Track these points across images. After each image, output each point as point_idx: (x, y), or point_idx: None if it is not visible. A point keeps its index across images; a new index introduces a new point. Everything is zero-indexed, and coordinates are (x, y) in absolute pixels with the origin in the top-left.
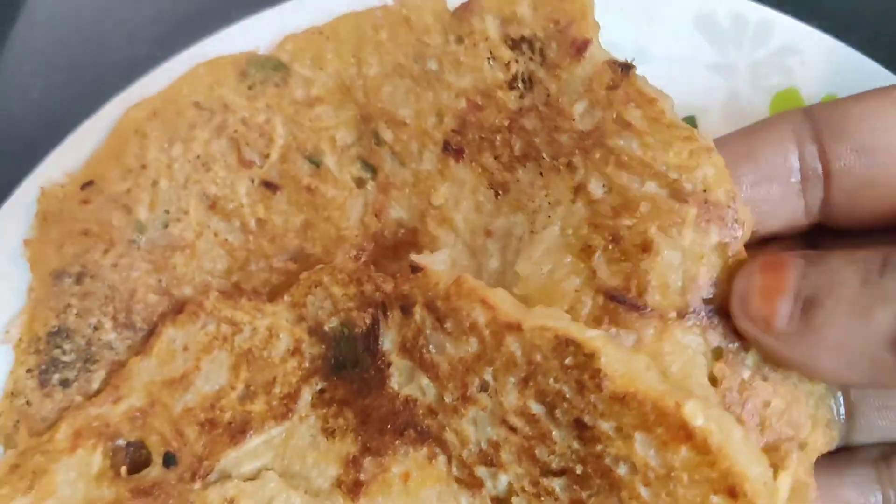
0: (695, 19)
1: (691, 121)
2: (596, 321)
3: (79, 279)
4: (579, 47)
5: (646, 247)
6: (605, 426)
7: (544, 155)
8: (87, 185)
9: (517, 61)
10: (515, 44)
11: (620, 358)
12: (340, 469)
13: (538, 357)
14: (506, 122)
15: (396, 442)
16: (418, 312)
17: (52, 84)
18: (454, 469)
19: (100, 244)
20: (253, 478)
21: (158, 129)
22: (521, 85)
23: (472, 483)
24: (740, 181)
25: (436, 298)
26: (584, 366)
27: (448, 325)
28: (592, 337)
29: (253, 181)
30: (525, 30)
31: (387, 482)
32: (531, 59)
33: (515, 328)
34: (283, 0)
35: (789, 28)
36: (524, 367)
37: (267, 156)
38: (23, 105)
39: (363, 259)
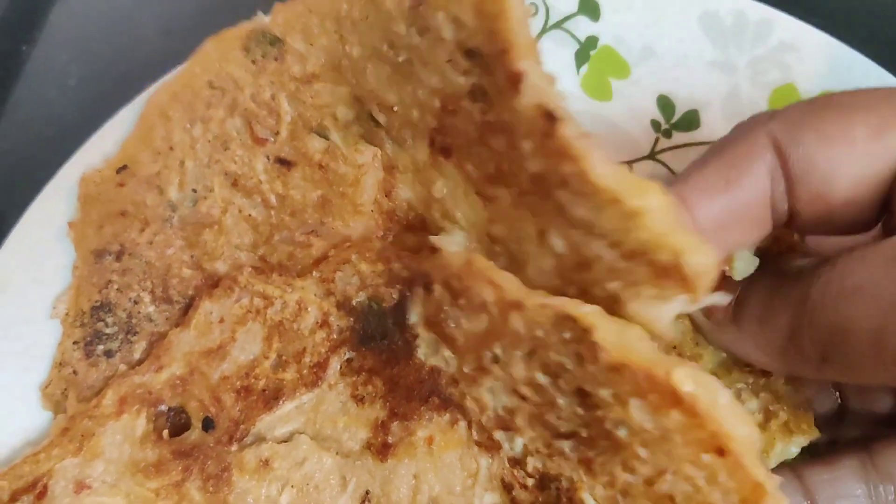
0: (699, 18)
1: (694, 115)
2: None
3: (118, 257)
4: (513, 79)
5: (615, 300)
6: (604, 393)
7: (513, 187)
8: (122, 168)
9: (472, 72)
10: (469, 53)
11: (614, 330)
12: (370, 432)
13: (540, 332)
14: (476, 134)
15: (422, 408)
16: (437, 290)
17: (88, 72)
18: (474, 433)
19: (136, 223)
20: (286, 440)
21: (179, 110)
22: (479, 98)
23: (490, 446)
24: (719, 216)
25: (451, 277)
26: (581, 339)
27: (462, 301)
28: (587, 312)
29: (268, 158)
30: (472, 41)
31: (412, 445)
32: (483, 72)
33: (518, 306)
34: None
35: (788, 26)
36: (528, 342)
37: (277, 133)
38: (60, 92)
39: (389, 238)
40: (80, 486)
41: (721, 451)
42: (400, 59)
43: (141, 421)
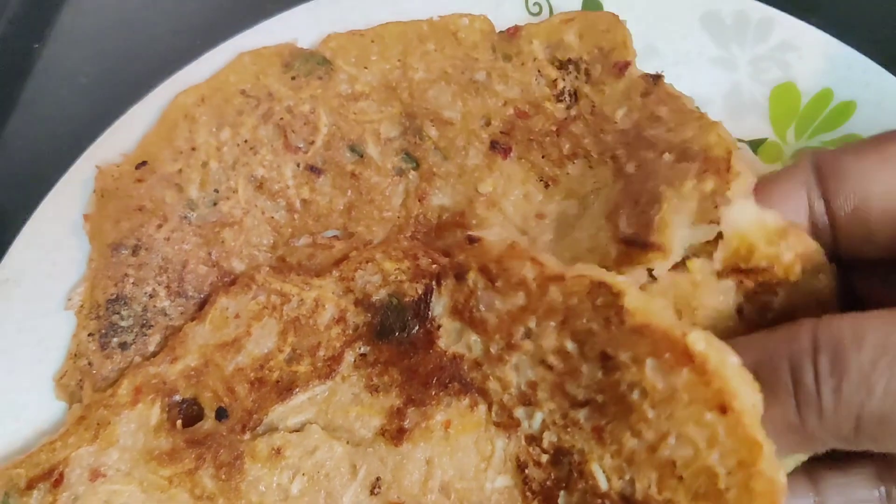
0: (701, 17)
1: None
2: (617, 265)
3: (134, 251)
4: (621, 67)
5: (656, 199)
6: (624, 356)
7: (592, 153)
8: (141, 165)
9: (563, 79)
10: (562, 65)
11: (641, 297)
12: (384, 420)
13: (575, 301)
14: (553, 128)
15: (440, 394)
16: (472, 277)
17: (99, 70)
18: (494, 414)
19: (154, 219)
20: (298, 430)
21: (207, 114)
22: (567, 98)
23: (509, 424)
24: None
25: (489, 262)
26: (611, 304)
27: (499, 283)
28: (620, 281)
29: (298, 165)
30: (571, 53)
31: (429, 429)
32: (576, 77)
33: (559, 278)
34: None
35: (788, 25)
36: (562, 311)
37: (312, 142)
38: (72, 90)
39: (418, 237)
40: (96, 474)
41: (723, 409)
42: (475, 78)
43: (155, 410)
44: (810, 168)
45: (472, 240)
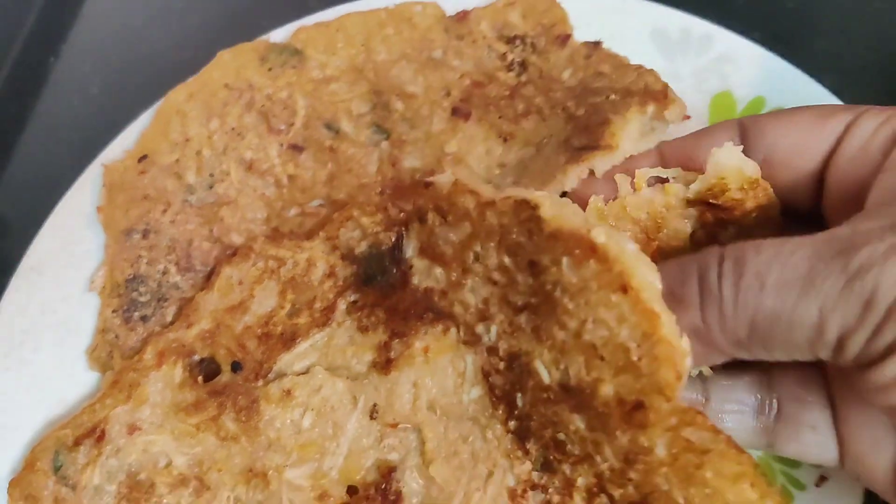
0: (650, 33)
1: None
2: (564, 171)
3: (145, 235)
4: (563, 39)
5: (604, 122)
6: (546, 259)
7: (544, 109)
8: (143, 158)
9: (512, 52)
10: (510, 41)
11: (555, 206)
12: (374, 354)
13: (506, 220)
14: (507, 93)
15: (418, 324)
16: (430, 217)
17: (108, 81)
18: (462, 334)
19: (159, 205)
20: (304, 373)
21: (196, 108)
22: (517, 68)
23: (473, 340)
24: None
25: (440, 200)
26: (531, 217)
27: (450, 217)
28: (538, 195)
29: (282, 145)
30: (517, 31)
31: (411, 356)
32: (523, 49)
33: (491, 204)
34: (311, 12)
35: (727, 40)
36: (498, 232)
37: (292, 124)
38: (83, 99)
39: (387, 193)
40: (132, 429)
41: (625, 289)
42: (432, 56)
43: (178, 370)
44: (736, 125)
45: (426, 184)
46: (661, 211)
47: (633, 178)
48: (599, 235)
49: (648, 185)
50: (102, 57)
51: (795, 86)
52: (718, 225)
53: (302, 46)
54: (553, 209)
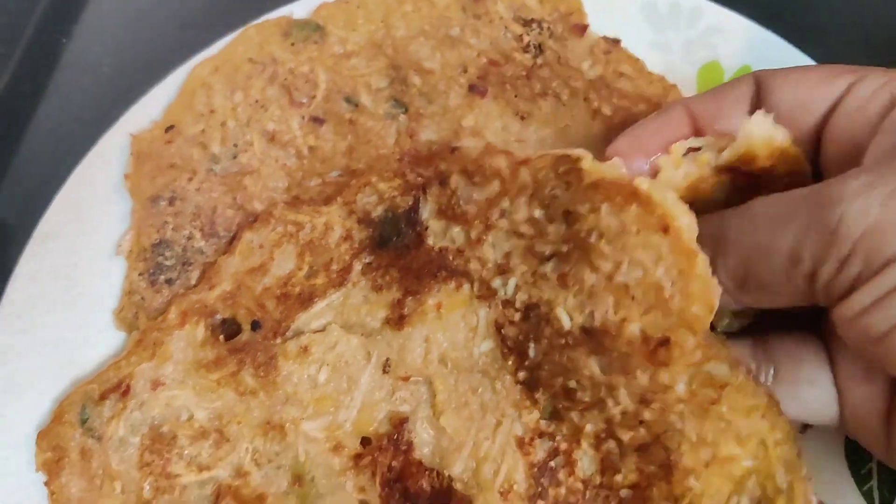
0: (640, 6)
1: None
2: None
3: (171, 202)
4: (580, 29)
5: None
6: (583, 208)
7: (562, 94)
8: (169, 128)
9: (528, 34)
10: (526, 23)
11: (595, 160)
12: (388, 311)
13: (541, 175)
14: (524, 73)
15: (431, 282)
16: (453, 180)
17: (119, 61)
18: (475, 289)
19: (184, 174)
20: (320, 331)
21: (221, 81)
22: (533, 50)
23: (488, 295)
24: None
25: (468, 163)
26: (571, 170)
27: (477, 178)
28: (578, 151)
29: (303, 118)
30: (533, 14)
31: (424, 312)
32: (540, 33)
33: (526, 162)
34: None
35: (715, 12)
36: (531, 186)
37: (313, 97)
38: (95, 79)
39: (406, 160)
40: (156, 384)
41: (665, 229)
42: (450, 33)
43: (200, 329)
44: (753, 80)
45: (452, 149)
46: (696, 181)
47: (670, 152)
48: (643, 183)
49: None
50: (112, 38)
51: (781, 55)
52: (751, 190)
53: (323, 22)
54: (594, 163)
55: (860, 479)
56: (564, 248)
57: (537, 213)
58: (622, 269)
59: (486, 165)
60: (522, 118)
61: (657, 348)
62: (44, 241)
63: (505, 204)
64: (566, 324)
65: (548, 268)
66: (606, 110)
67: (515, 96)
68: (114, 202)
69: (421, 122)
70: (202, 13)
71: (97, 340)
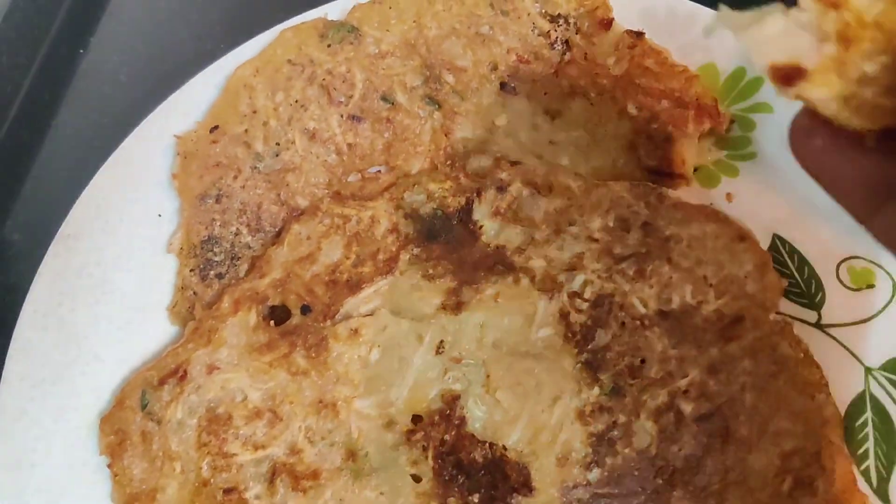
0: (638, 12)
1: None
2: None
3: (217, 199)
4: (606, 24)
5: (667, 138)
6: (662, 221)
7: (591, 93)
8: (214, 129)
9: (556, 30)
10: (553, 19)
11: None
12: (443, 298)
13: (618, 196)
14: (552, 71)
15: (488, 274)
16: (515, 187)
17: (136, 70)
18: (536, 283)
19: (230, 172)
20: (370, 315)
21: (262, 82)
22: (560, 46)
23: (550, 287)
24: None
25: (534, 177)
26: (652, 191)
27: (543, 191)
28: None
29: (342, 116)
30: (560, 10)
31: (482, 301)
32: (566, 29)
33: (602, 185)
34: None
35: (709, 16)
36: (607, 204)
37: (351, 96)
38: (113, 87)
39: (456, 165)
40: (211, 368)
41: (743, 237)
42: (480, 31)
43: (252, 315)
44: None
45: (513, 163)
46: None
47: None
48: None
49: None
50: (129, 48)
51: None
52: None
53: (358, 24)
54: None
55: (857, 459)
56: (643, 250)
57: (612, 223)
58: (702, 266)
59: (553, 182)
60: (553, 118)
61: (731, 324)
62: (66, 241)
63: (574, 215)
64: (641, 310)
65: (624, 265)
66: (632, 110)
67: (545, 94)
68: (135, 201)
69: (455, 119)
70: (217, 23)
71: (110, 337)
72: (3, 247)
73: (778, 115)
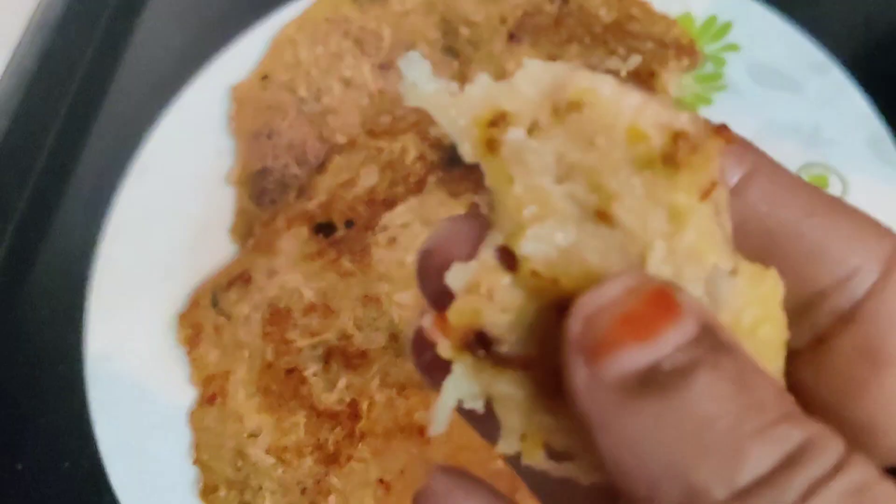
0: None
1: None
2: None
3: (269, 136)
4: None
5: (651, 74)
6: None
7: (586, 39)
8: (264, 78)
9: None
10: None
11: None
12: (466, 210)
13: None
14: (552, 23)
15: None
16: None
17: (187, 36)
18: None
19: (278, 114)
20: (405, 226)
21: (304, 38)
22: (558, 1)
23: None
24: None
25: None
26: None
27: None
28: None
29: (373, 65)
30: None
31: None
32: None
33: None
34: None
35: None
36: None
37: (380, 49)
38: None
39: None
40: (272, 273)
41: None
42: None
43: (303, 230)
44: None
45: None
46: None
47: None
48: None
49: None
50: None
51: (741, 5)
52: None
53: None
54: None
55: None
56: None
57: None
58: None
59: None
60: (553, 61)
61: None
62: (140, 175)
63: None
64: None
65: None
66: (621, 51)
67: (550, 41)
68: (198, 141)
69: (470, 66)
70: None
71: (192, 252)
72: (79, 181)
73: (743, 52)
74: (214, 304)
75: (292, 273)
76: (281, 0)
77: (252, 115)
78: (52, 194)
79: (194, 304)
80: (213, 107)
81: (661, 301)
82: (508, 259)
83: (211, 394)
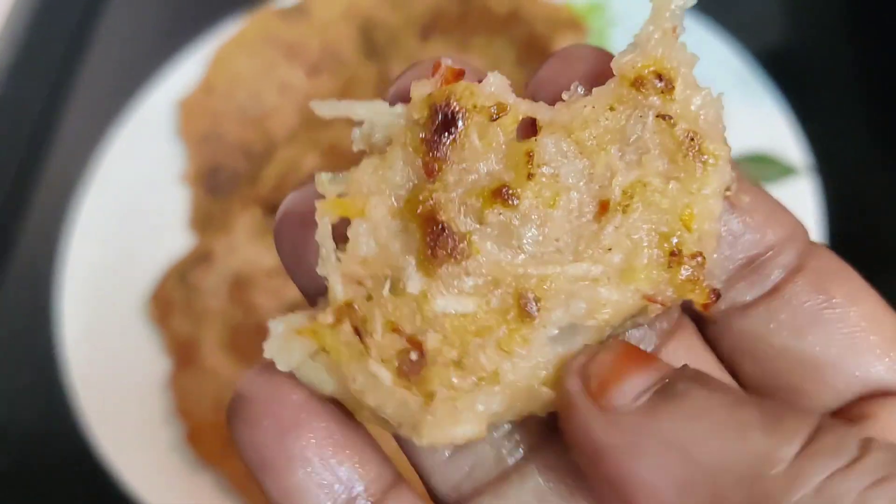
0: None
1: None
2: None
3: (217, 139)
4: None
5: (545, 46)
6: None
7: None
8: (207, 89)
9: None
10: None
11: None
12: None
13: None
14: (457, 19)
15: None
16: None
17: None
18: None
19: (223, 119)
20: None
21: (241, 52)
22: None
23: None
24: None
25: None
26: None
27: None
28: None
29: (305, 72)
30: None
31: None
32: None
33: None
34: None
35: None
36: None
37: (308, 57)
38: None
39: None
40: (232, 249)
41: None
42: None
43: (256, 211)
44: None
45: None
46: None
47: None
48: None
49: None
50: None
51: None
52: None
53: (308, 6)
54: None
55: None
56: None
57: None
58: None
59: None
60: (464, 51)
61: None
62: (100, 181)
63: None
64: None
65: None
66: (520, 37)
67: (455, 36)
68: (151, 147)
69: (389, 64)
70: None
71: (155, 244)
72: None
73: (621, 26)
74: (182, 278)
75: (251, 247)
76: (216, 19)
77: (199, 121)
78: (19, 203)
79: (163, 285)
80: (161, 116)
81: (632, 352)
82: None
83: (186, 357)
